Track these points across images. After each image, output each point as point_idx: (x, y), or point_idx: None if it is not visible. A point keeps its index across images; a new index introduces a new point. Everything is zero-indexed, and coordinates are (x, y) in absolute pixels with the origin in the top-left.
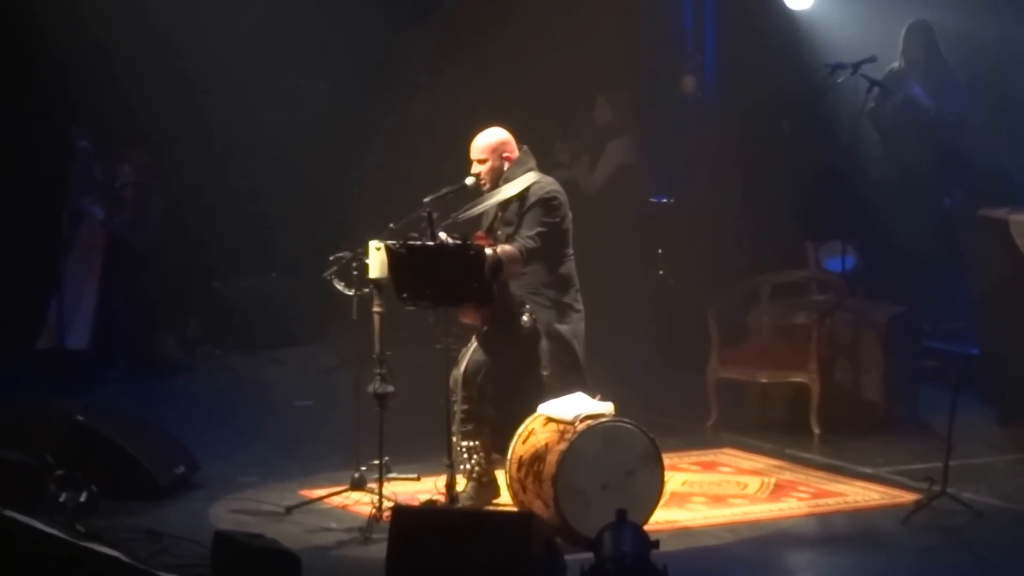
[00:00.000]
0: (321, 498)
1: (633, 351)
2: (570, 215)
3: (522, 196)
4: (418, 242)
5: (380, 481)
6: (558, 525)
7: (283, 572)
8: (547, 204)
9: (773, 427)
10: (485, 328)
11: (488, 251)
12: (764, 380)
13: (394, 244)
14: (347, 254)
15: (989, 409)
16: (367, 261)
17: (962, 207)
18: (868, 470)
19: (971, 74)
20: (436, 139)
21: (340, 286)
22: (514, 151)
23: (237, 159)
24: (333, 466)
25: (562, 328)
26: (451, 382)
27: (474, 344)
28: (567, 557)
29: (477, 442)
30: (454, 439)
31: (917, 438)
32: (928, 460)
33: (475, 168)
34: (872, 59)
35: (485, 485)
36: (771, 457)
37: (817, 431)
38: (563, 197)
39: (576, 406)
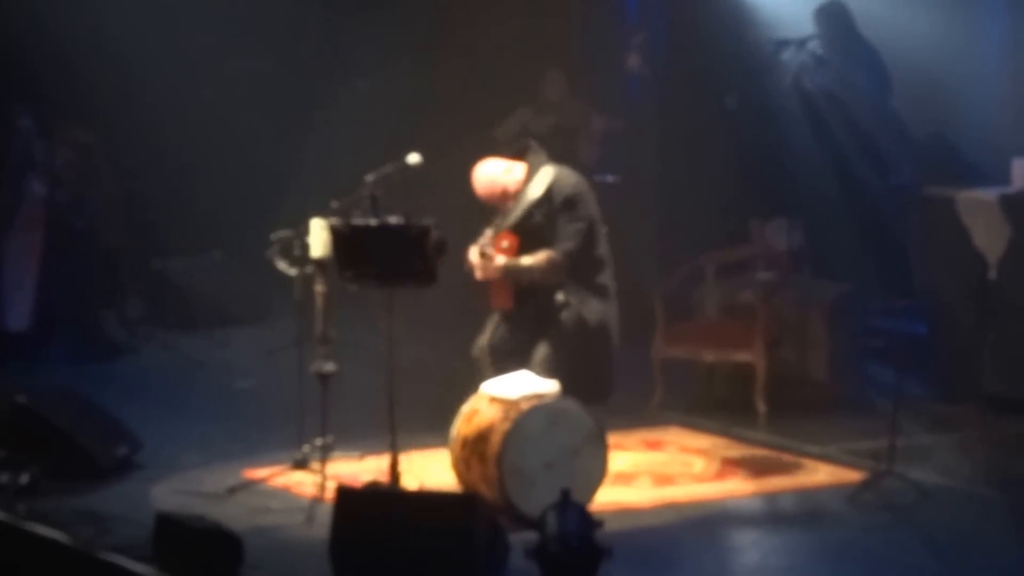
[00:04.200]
0: (264, 479)
1: None
2: (593, 200)
3: (547, 196)
4: (361, 221)
5: (323, 461)
6: (502, 505)
7: (225, 553)
8: (573, 202)
9: (719, 406)
10: (514, 309)
11: (528, 261)
12: (709, 359)
13: (337, 223)
14: (289, 233)
15: (935, 388)
16: (309, 240)
17: (909, 184)
18: (814, 449)
19: (909, 55)
20: (378, 117)
21: (282, 265)
22: (514, 163)
23: (178, 138)
24: (276, 446)
25: (592, 309)
26: (476, 351)
27: (497, 318)
28: (511, 537)
29: None
30: None
31: (863, 417)
32: (874, 439)
33: (506, 204)
34: (817, 36)
35: None
36: (717, 436)
37: (763, 410)
38: (584, 187)
39: (520, 385)
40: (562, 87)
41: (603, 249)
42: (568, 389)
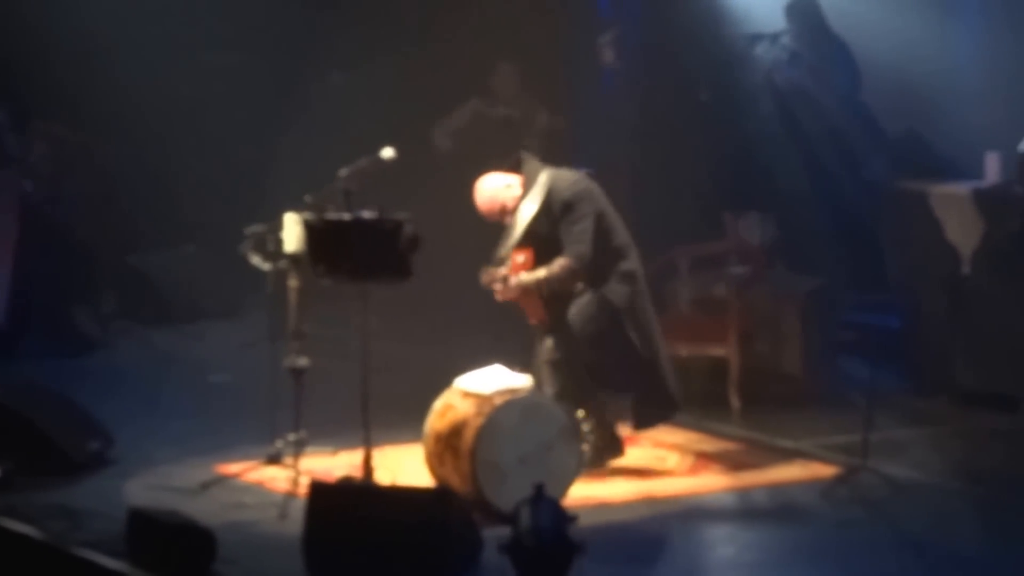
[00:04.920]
0: (237, 474)
1: None
2: (595, 193)
3: (547, 206)
4: (334, 216)
5: (296, 457)
6: (475, 500)
7: (198, 549)
8: (571, 205)
9: (692, 400)
10: (547, 318)
11: (542, 273)
12: (683, 353)
13: (310, 218)
14: (263, 228)
15: (909, 382)
16: (283, 235)
17: (882, 179)
18: (788, 444)
19: (883, 50)
20: (353, 111)
21: (256, 260)
22: (513, 177)
23: (153, 133)
24: (249, 442)
25: (618, 292)
26: (535, 370)
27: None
28: (484, 531)
29: (583, 412)
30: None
31: (837, 411)
32: (848, 433)
33: (505, 220)
34: (789, 31)
35: (606, 447)
36: (690, 431)
37: (736, 404)
38: (581, 185)
39: (494, 380)
40: (513, 80)
41: (621, 237)
42: (598, 385)
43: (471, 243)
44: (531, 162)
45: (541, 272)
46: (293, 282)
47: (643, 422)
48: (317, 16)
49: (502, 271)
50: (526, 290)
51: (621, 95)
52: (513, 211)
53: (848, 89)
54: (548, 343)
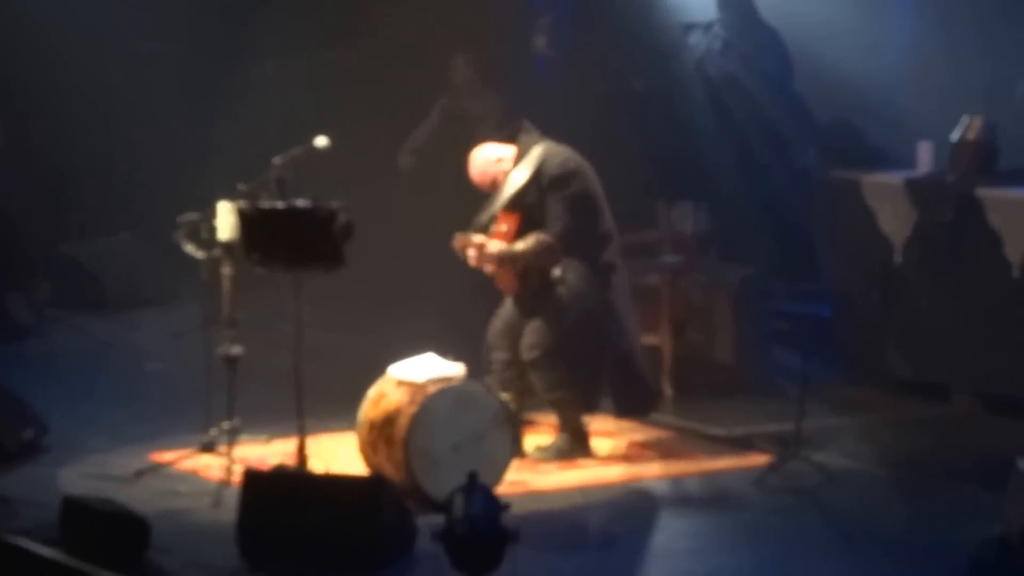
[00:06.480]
0: (171, 462)
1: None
2: (586, 173)
3: (537, 177)
4: (268, 204)
5: (230, 445)
6: (409, 488)
7: (132, 537)
8: (560, 181)
9: None
10: (519, 293)
11: (519, 246)
12: None
13: (244, 205)
14: (196, 216)
15: (840, 370)
16: (216, 223)
17: (814, 168)
18: (720, 432)
19: (814, 40)
20: (286, 99)
21: (190, 248)
22: (506, 150)
23: (88, 120)
24: (183, 430)
25: (595, 289)
26: (489, 337)
27: (508, 301)
28: (418, 519)
29: (514, 392)
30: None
31: (769, 400)
32: (780, 422)
33: (495, 191)
34: (720, 20)
35: (577, 445)
36: (623, 419)
37: (669, 393)
38: (574, 164)
39: (427, 368)
40: (468, 70)
41: (606, 225)
42: (580, 375)
43: (406, 231)
44: (528, 134)
45: (518, 245)
46: (227, 270)
47: (623, 412)
48: (251, 6)
49: (479, 238)
50: (501, 260)
51: (554, 83)
52: (503, 179)
53: (780, 78)
54: (527, 340)
